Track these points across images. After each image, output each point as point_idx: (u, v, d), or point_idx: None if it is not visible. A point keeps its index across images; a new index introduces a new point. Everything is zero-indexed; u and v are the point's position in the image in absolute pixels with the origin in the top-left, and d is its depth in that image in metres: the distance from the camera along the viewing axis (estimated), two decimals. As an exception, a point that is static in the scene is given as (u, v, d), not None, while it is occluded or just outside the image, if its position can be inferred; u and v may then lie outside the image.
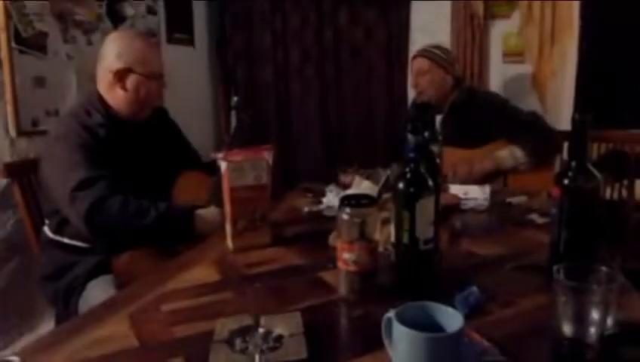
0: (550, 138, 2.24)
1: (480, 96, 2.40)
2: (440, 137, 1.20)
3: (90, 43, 2.43)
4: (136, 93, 1.60)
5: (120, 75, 1.58)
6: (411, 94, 3.07)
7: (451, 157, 2.13)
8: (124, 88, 1.59)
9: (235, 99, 2.02)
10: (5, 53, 2.03)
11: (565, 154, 2.34)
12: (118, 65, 1.57)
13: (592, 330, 0.73)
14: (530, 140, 2.16)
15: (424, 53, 2.39)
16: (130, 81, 1.58)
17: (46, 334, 0.91)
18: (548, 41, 2.99)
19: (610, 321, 0.75)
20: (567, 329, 0.74)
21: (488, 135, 2.25)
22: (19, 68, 2.09)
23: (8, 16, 2.03)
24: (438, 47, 2.42)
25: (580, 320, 0.73)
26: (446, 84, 2.37)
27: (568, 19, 2.94)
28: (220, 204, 1.50)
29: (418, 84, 2.37)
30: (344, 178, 1.85)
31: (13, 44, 2.06)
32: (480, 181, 2.04)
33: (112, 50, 1.58)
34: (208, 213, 1.53)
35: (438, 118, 2.33)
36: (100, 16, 2.55)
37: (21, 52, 2.10)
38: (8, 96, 2.06)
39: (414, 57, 2.44)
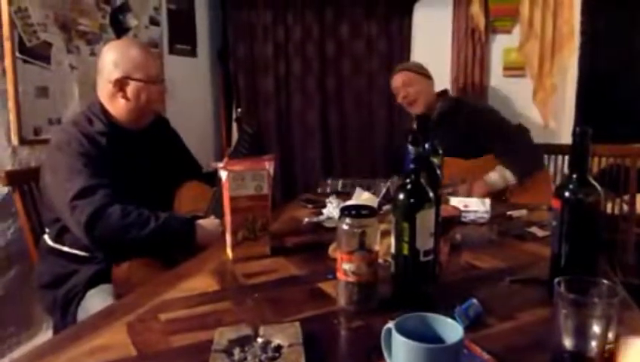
0: (535, 157, 2.34)
1: (466, 104, 2.48)
2: (440, 150, 1.20)
3: (93, 53, 2.44)
4: (138, 99, 1.60)
5: (120, 84, 1.58)
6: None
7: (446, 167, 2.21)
8: (125, 97, 1.59)
9: (239, 110, 2.02)
10: (9, 63, 2.05)
11: (566, 168, 2.36)
12: (116, 74, 1.57)
13: (593, 344, 0.72)
14: (518, 161, 2.24)
15: (403, 68, 2.53)
16: (131, 88, 1.59)
17: (44, 343, 0.90)
18: (548, 55, 3.01)
19: (611, 335, 0.74)
20: (568, 342, 0.73)
21: (476, 143, 2.30)
22: (22, 77, 2.10)
23: (13, 25, 2.04)
24: (412, 62, 2.59)
25: (581, 334, 0.73)
26: (432, 91, 2.49)
27: (569, 34, 2.97)
28: (220, 214, 1.50)
29: (407, 94, 2.44)
30: (320, 188, 1.93)
31: (17, 54, 2.07)
32: None
33: (109, 61, 1.59)
34: (208, 223, 1.53)
35: None
36: (104, 27, 2.57)
37: (25, 61, 2.11)
38: (11, 104, 2.07)
39: (394, 75, 2.53)
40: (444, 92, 2.56)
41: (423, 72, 2.49)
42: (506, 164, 2.24)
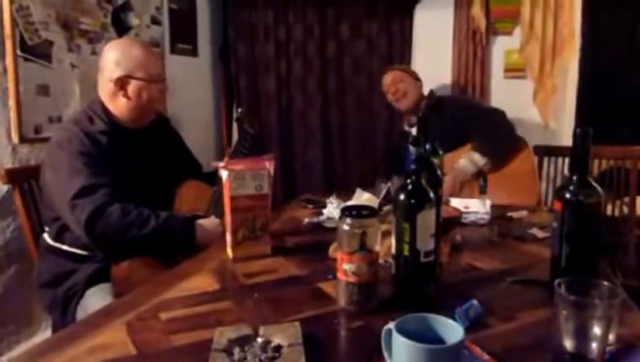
0: (508, 137, 2.33)
1: (446, 102, 2.54)
2: (441, 151, 1.20)
3: (94, 52, 2.44)
4: (139, 98, 1.60)
5: (121, 83, 1.58)
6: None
7: None
8: (126, 96, 1.59)
9: (240, 110, 2.02)
10: (10, 61, 2.04)
11: (566, 169, 2.36)
12: (117, 73, 1.57)
13: (594, 345, 0.72)
14: (488, 142, 2.25)
15: (392, 68, 2.70)
16: (132, 87, 1.59)
17: (43, 341, 0.90)
18: (549, 56, 3.01)
19: (611, 337, 0.74)
20: (569, 344, 0.73)
21: (460, 133, 2.33)
22: (23, 75, 2.10)
23: (14, 24, 2.04)
24: (400, 64, 2.77)
25: (582, 335, 0.73)
26: (420, 91, 2.60)
27: (569, 36, 2.97)
28: (220, 214, 1.50)
29: (397, 90, 2.56)
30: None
31: (18, 52, 2.07)
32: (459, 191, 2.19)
33: (111, 59, 1.58)
34: (208, 223, 1.53)
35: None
36: (105, 26, 2.57)
37: (26, 60, 2.11)
38: (12, 102, 2.07)
39: (383, 75, 2.67)
40: (430, 92, 2.63)
41: (410, 73, 2.65)
42: (475, 146, 2.26)
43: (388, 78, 2.62)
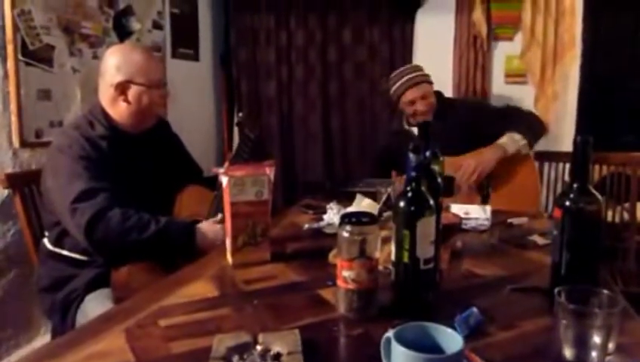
0: (538, 120, 2.39)
1: (458, 103, 2.52)
2: (441, 157, 1.20)
3: (96, 57, 2.45)
4: (139, 103, 1.60)
5: (121, 88, 1.58)
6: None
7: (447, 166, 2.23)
8: (126, 101, 1.59)
9: (240, 115, 2.02)
10: (12, 65, 2.05)
11: (567, 175, 2.36)
12: (118, 78, 1.57)
13: (594, 354, 0.72)
14: (520, 121, 2.26)
15: (426, 78, 2.44)
16: (132, 92, 1.59)
17: (42, 346, 0.90)
18: (550, 62, 3.01)
19: (611, 346, 0.74)
20: (569, 352, 0.73)
21: (474, 137, 2.29)
22: (25, 80, 2.10)
23: (16, 28, 2.05)
24: (419, 67, 2.51)
25: (582, 343, 0.72)
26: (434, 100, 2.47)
27: (570, 42, 2.97)
28: (220, 219, 1.50)
29: (428, 104, 2.39)
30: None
31: (19, 57, 2.07)
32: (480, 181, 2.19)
33: (112, 64, 1.58)
34: (210, 229, 1.52)
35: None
36: (107, 31, 2.57)
37: (27, 64, 2.12)
38: (13, 107, 2.07)
39: (418, 83, 2.41)
40: (439, 93, 2.52)
41: (431, 81, 2.46)
42: (514, 128, 2.24)
43: (417, 93, 2.38)
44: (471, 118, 2.35)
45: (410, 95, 2.40)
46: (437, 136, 2.32)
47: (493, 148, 2.22)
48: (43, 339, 2.20)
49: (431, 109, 2.40)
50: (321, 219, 1.69)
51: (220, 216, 1.54)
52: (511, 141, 2.22)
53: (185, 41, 3.28)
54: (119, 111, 1.61)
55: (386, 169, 2.42)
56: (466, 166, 2.18)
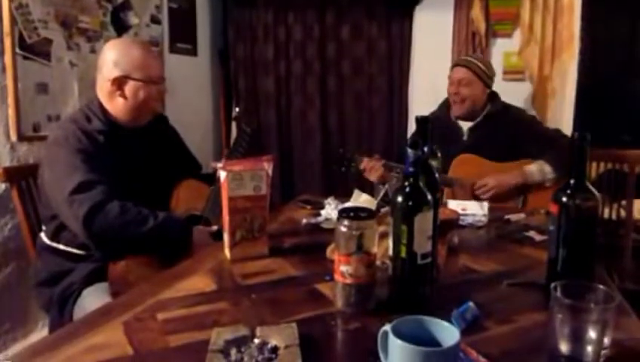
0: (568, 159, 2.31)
1: (513, 111, 2.41)
2: (439, 154, 1.20)
3: (93, 51, 2.44)
4: (136, 98, 1.60)
5: (118, 83, 1.58)
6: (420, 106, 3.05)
7: (477, 167, 2.23)
8: (123, 96, 1.59)
9: (237, 109, 2.02)
10: (9, 59, 2.04)
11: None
12: (115, 73, 1.57)
13: (589, 349, 0.73)
14: (558, 156, 2.16)
15: (467, 64, 2.35)
16: (129, 87, 1.59)
17: (40, 340, 0.90)
18: (548, 59, 3.01)
19: (607, 341, 0.75)
20: (564, 347, 0.74)
21: (515, 150, 2.27)
22: (22, 73, 2.10)
23: (13, 22, 2.04)
24: (480, 59, 2.41)
25: (577, 338, 0.73)
26: (483, 97, 2.36)
27: (569, 39, 2.97)
28: (217, 213, 1.50)
29: (459, 92, 2.32)
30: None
31: (17, 50, 2.07)
32: (505, 195, 2.16)
33: (110, 59, 1.58)
34: (199, 235, 1.55)
35: (469, 125, 2.35)
36: (104, 25, 2.57)
37: (25, 58, 2.11)
38: (10, 100, 2.07)
39: (456, 65, 2.40)
40: (495, 95, 2.43)
41: (484, 79, 2.35)
42: (547, 159, 2.19)
43: (456, 74, 2.33)
44: (518, 130, 2.29)
45: (452, 73, 2.38)
46: (483, 136, 2.29)
47: (516, 172, 2.19)
48: (40, 333, 2.21)
49: (463, 100, 2.31)
50: (319, 214, 1.69)
51: (215, 227, 1.56)
52: (538, 171, 2.19)
53: (183, 35, 3.27)
54: (116, 105, 1.61)
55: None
56: (483, 183, 2.18)
